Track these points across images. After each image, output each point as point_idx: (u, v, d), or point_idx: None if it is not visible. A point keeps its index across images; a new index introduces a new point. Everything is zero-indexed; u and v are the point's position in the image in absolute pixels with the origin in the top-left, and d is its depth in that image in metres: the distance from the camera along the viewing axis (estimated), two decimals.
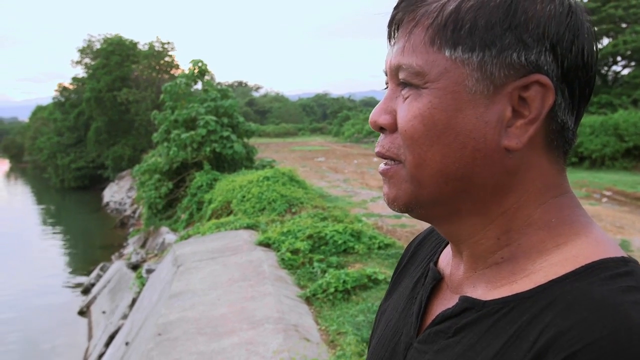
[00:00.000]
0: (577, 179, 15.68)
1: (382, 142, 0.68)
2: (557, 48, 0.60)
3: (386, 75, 0.70)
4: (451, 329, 0.65)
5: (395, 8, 0.67)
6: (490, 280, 0.65)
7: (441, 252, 0.80)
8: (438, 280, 0.75)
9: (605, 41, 26.01)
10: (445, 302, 0.71)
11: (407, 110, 0.64)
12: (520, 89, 0.61)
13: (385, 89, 0.71)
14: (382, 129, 0.68)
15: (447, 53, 0.62)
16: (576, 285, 0.56)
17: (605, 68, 26.96)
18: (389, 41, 0.69)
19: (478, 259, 0.67)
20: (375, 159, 24.61)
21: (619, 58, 26.55)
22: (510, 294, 0.61)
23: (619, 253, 0.60)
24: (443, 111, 0.62)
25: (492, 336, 0.59)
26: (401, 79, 0.65)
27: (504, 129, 0.62)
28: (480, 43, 0.61)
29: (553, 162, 0.65)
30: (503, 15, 0.60)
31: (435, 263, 0.79)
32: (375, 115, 0.68)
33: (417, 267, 0.84)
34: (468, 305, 0.64)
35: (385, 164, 0.69)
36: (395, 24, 0.68)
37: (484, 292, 0.65)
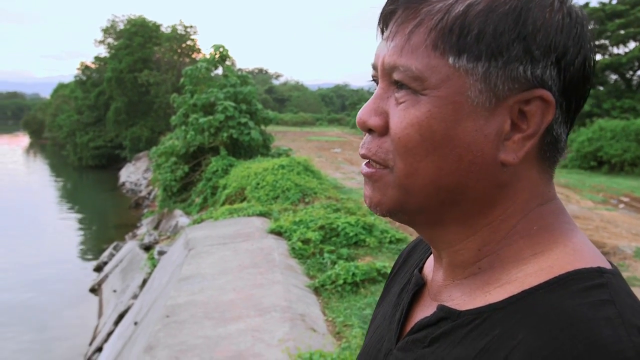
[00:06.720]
0: (595, 183, 15.48)
1: (368, 144, 0.64)
2: (561, 62, 0.58)
3: (375, 70, 0.66)
4: (427, 339, 0.64)
5: (394, 1, 0.63)
6: (466, 291, 0.64)
7: (427, 258, 0.79)
8: (421, 286, 0.74)
9: (632, 45, 25.50)
10: (426, 309, 0.70)
11: (403, 117, 0.60)
12: (521, 103, 0.59)
13: (372, 80, 0.67)
14: (370, 130, 0.64)
15: (450, 60, 0.58)
16: (547, 298, 0.55)
17: (631, 72, 26.45)
18: (381, 34, 0.65)
19: (456, 268, 0.66)
20: None
21: None
22: (483, 304, 0.60)
23: (596, 263, 0.58)
24: (442, 121, 0.59)
25: (463, 348, 0.58)
26: (397, 79, 0.61)
27: (502, 142, 0.59)
28: (487, 52, 0.57)
29: (542, 172, 0.63)
30: (512, 23, 0.57)
31: (421, 269, 0.78)
32: (365, 115, 0.64)
33: (405, 274, 0.83)
34: (444, 314, 0.63)
35: (368, 166, 0.65)
36: (389, 16, 0.63)
37: (460, 301, 0.64)
